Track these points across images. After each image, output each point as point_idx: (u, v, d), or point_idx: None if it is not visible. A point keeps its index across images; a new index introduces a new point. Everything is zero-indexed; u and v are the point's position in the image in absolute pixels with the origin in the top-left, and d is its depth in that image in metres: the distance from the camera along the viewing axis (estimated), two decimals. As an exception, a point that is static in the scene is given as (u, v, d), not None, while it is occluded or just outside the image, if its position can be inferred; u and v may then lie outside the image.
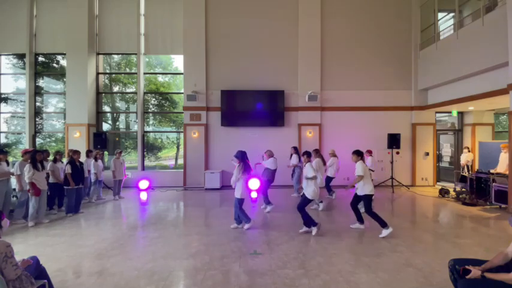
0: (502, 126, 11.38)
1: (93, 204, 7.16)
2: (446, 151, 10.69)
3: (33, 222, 5.27)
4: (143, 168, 9.87)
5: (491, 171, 7.12)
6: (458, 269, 2.37)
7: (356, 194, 4.87)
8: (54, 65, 10.35)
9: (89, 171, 7.25)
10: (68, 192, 6.11)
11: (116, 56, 10.57)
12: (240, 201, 4.95)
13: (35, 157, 5.37)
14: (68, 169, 6.00)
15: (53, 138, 10.44)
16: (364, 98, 9.42)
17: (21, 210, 5.57)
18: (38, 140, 10.08)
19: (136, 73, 9.89)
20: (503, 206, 6.40)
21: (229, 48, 9.44)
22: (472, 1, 7.84)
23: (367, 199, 4.72)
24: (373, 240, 4.47)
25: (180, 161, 10.10)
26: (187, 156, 9.38)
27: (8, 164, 5.52)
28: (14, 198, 5.91)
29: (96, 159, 7.40)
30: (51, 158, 6.70)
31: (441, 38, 8.54)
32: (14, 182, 5.70)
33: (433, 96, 9.08)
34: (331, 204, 6.89)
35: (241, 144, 9.31)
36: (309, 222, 4.68)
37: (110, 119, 10.59)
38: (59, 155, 6.52)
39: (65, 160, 6.83)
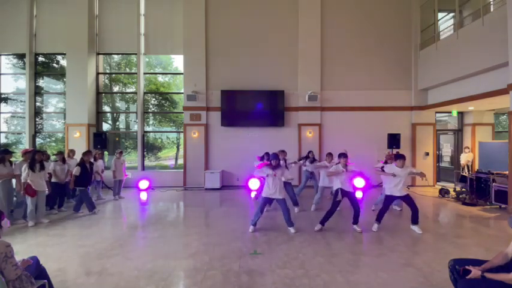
0: (502, 126, 11.38)
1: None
2: (446, 151, 10.69)
3: (33, 222, 5.27)
4: (143, 168, 9.87)
5: None
6: (458, 269, 2.37)
7: (408, 195, 4.94)
8: (54, 65, 10.35)
9: None
10: (81, 192, 6.15)
11: (116, 56, 10.57)
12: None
13: (34, 157, 5.35)
14: (77, 171, 5.99)
15: (53, 138, 10.44)
16: (364, 98, 9.42)
17: (20, 210, 5.57)
18: (38, 140, 10.08)
19: (136, 73, 9.89)
20: (503, 206, 6.39)
21: (229, 48, 9.44)
22: (472, 1, 7.84)
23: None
24: (373, 240, 4.47)
25: (180, 161, 10.10)
26: (187, 156, 9.38)
27: (11, 164, 5.52)
28: (14, 198, 5.91)
29: (95, 159, 7.40)
30: (53, 158, 6.75)
31: (441, 38, 8.54)
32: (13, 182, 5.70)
33: (433, 96, 9.08)
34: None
35: (241, 144, 9.36)
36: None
37: (110, 119, 10.59)
38: (61, 154, 6.54)
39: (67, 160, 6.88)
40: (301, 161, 7.19)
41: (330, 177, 5.44)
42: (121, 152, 7.90)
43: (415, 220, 4.91)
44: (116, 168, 7.63)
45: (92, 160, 6.59)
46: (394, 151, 8.82)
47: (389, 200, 4.98)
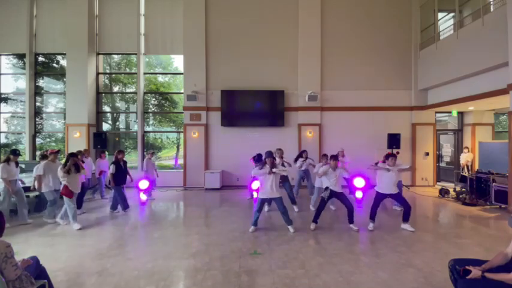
0: (502, 126, 11.38)
1: (94, 203, 7.16)
2: (446, 151, 10.69)
3: (53, 221, 5.37)
4: (143, 168, 9.84)
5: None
6: (459, 269, 2.37)
7: (399, 193, 5.07)
8: (54, 65, 10.35)
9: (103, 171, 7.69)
10: (115, 191, 6.21)
11: (116, 56, 10.57)
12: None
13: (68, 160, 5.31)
14: (113, 169, 6.11)
15: (53, 138, 10.43)
16: (364, 98, 9.42)
17: (52, 209, 5.52)
18: (38, 140, 10.08)
19: (136, 73, 9.89)
20: (503, 206, 6.40)
21: (229, 48, 9.44)
22: (472, 1, 7.84)
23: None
24: (373, 240, 4.47)
25: (180, 161, 10.10)
26: (187, 156, 9.38)
27: (17, 165, 5.47)
28: (13, 199, 5.84)
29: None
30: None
31: (441, 38, 8.54)
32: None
33: (433, 96, 9.08)
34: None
35: (241, 144, 9.35)
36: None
37: (110, 119, 10.59)
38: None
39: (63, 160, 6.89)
40: (298, 164, 7.10)
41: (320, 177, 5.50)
42: (152, 153, 8.04)
43: (406, 218, 4.98)
44: (148, 169, 7.76)
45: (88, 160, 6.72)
46: (395, 151, 8.83)
47: (378, 196, 5.04)
